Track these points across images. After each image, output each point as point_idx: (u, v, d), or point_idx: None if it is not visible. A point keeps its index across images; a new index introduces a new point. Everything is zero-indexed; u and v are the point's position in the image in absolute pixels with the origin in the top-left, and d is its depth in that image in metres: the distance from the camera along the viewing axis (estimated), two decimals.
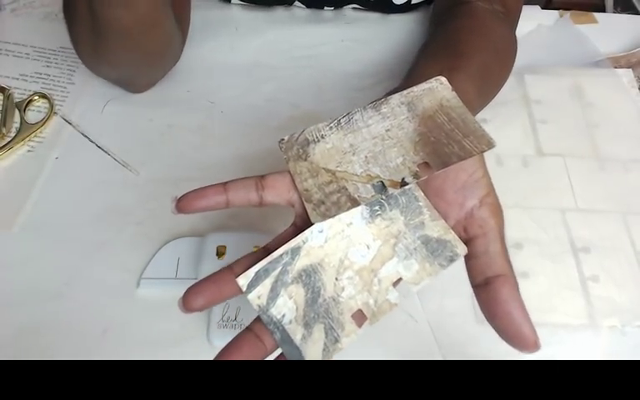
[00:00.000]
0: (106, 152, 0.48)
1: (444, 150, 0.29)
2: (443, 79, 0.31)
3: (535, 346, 0.26)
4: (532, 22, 0.60)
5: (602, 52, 0.58)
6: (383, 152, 0.29)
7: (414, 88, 0.31)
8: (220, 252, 0.40)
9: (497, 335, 0.40)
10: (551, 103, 0.53)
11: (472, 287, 0.28)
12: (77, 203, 0.45)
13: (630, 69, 0.56)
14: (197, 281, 0.27)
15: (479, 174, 0.29)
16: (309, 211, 0.28)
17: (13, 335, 0.38)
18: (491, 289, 0.27)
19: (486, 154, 0.29)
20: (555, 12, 0.62)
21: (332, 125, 0.30)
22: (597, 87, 0.54)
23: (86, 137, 0.49)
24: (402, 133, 0.30)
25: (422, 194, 0.29)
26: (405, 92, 0.31)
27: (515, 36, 0.49)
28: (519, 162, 0.48)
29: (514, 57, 0.48)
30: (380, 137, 0.30)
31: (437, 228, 0.28)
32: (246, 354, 0.26)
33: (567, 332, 0.39)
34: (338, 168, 0.29)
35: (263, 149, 0.48)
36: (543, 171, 0.48)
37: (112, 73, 0.50)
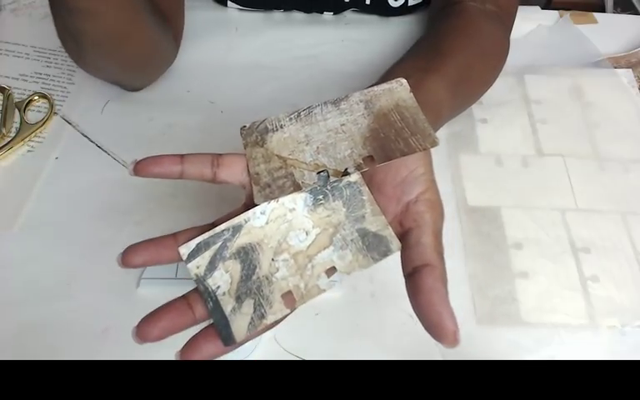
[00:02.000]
0: (106, 152, 0.48)
1: (390, 146, 0.30)
2: (403, 81, 0.33)
3: (454, 338, 0.26)
4: (532, 22, 0.60)
5: (601, 52, 0.58)
6: (334, 144, 0.31)
7: (374, 88, 0.33)
8: None
9: (497, 335, 0.40)
10: (551, 103, 0.53)
11: (404, 277, 0.28)
12: (77, 203, 0.45)
13: (630, 69, 0.56)
14: (139, 242, 0.28)
15: (420, 171, 0.30)
16: (255, 192, 0.29)
17: (13, 335, 0.38)
18: (417, 277, 0.27)
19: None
20: (555, 13, 0.62)
21: (292, 116, 0.32)
22: (597, 87, 0.54)
23: (86, 136, 0.49)
24: (355, 128, 0.31)
25: (367, 189, 0.30)
26: (366, 90, 0.33)
27: (507, 35, 0.49)
28: (519, 162, 0.48)
29: (503, 57, 0.48)
30: (334, 131, 0.31)
31: (376, 223, 0.29)
32: (172, 318, 0.27)
33: (567, 332, 0.39)
34: (290, 156, 0.30)
35: None
36: (543, 171, 0.48)
37: (100, 76, 0.50)
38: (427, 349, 0.38)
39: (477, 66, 0.44)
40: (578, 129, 0.51)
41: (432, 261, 0.28)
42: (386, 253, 0.29)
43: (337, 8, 0.59)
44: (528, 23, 0.60)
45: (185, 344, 0.27)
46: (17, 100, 0.50)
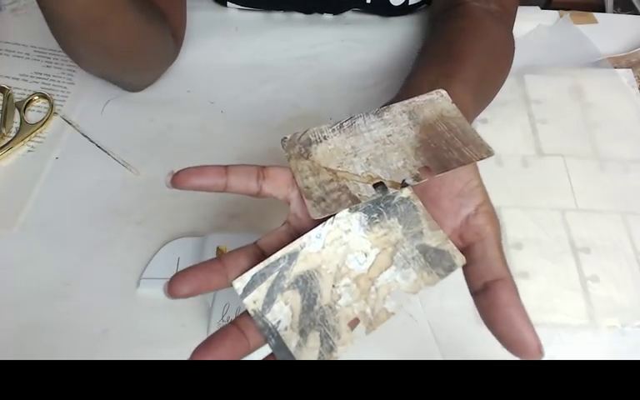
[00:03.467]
0: (106, 152, 0.48)
1: (444, 156, 0.29)
2: (444, 92, 0.32)
3: (539, 352, 0.25)
4: (531, 22, 0.60)
5: (602, 52, 0.58)
6: (385, 155, 0.30)
7: (415, 99, 0.32)
8: (220, 253, 0.40)
9: None
10: (551, 103, 0.53)
11: (472, 294, 0.28)
12: (77, 203, 0.45)
13: (630, 69, 0.56)
14: (185, 268, 0.26)
15: (475, 183, 0.29)
16: (309, 206, 0.28)
17: (13, 335, 0.38)
18: (490, 294, 0.26)
19: None
20: (555, 13, 0.62)
21: (334, 127, 0.31)
22: (597, 87, 0.54)
23: (86, 137, 0.49)
24: (403, 139, 0.30)
25: (421, 203, 0.29)
26: (407, 101, 0.32)
27: (512, 35, 0.49)
28: (519, 162, 0.48)
29: (512, 57, 0.48)
30: (382, 141, 0.30)
31: (435, 238, 0.28)
32: (228, 349, 0.25)
33: (567, 332, 0.39)
34: (339, 168, 0.29)
35: (263, 149, 0.48)
36: (543, 171, 0.48)
37: (91, 69, 0.49)
38: (427, 349, 0.38)
39: (491, 68, 0.44)
40: (578, 129, 0.51)
41: (503, 275, 0.27)
42: (451, 269, 0.27)
43: (338, 9, 0.59)
44: (528, 23, 0.60)
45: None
46: (17, 100, 0.50)
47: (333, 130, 0.31)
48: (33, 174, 0.46)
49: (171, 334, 0.39)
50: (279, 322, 0.26)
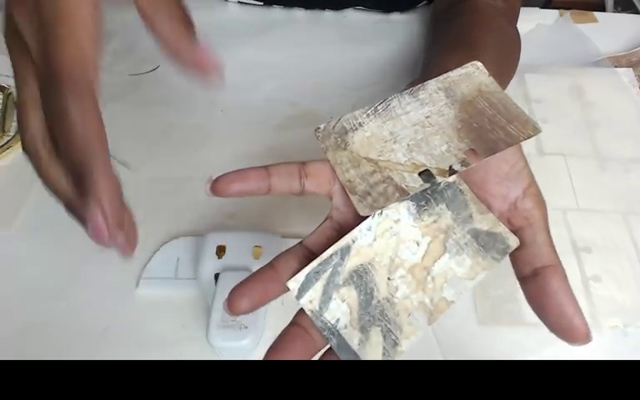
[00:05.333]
0: None
1: (489, 136, 0.28)
2: (479, 64, 0.30)
3: (587, 338, 0.25)
4: (531, 22, 0.60)
5: (602, 51, 0.58)
6: (426, 139, 0.28)
7: (450, 74, 0.30)
8: (220, 252, 0.39)
9: (498, 335, 0.40)
10: (551, 103, 0.53)
11: (519, 279, 0.27)
12: None
13: (630, 68, 0.56)
14: (240, 282, 0.25)
15: (521, 165, 0.28)
16: (355, 203, 0.26)
17: (13, 335, 0.38)
18: (540, 280, 0.26)
19: None
20: (555, 12, 0.62)
21: (369, 112, 0.29)
22: (598, 86, 0.54)
23: None
24: (442, 120, 0.29)
25: (467, 187, 0.28)
26: (441, 77, 0.30)
27: (518, 31, 0.49)
28: None
29: (519, 53, 0.48)
30: (420, 124, 0.29)
31: (485, 222, 0.27)
32: (300, 349, 0.24)
33: None
34: (380, 157, 0.28)
35: (263, 148, 0.48)
36: (544, 170, 0.48)
37: None
38: (427, 349, 0.38)
39: (503, 61, 0.43)
40: (579, 128, 0.51)
41: (552, 261, 0.27)
42: (505, 251, 0.27)
43: (339, 5, 0.59)
44: (528, 23, 0.60)
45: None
46: (17, 99, 0.50)
47: (368, 115, 0.29)
48: (33, 174, 0.46)
49: (171, 334, 0.38)
50: (338, 320, 0.25)
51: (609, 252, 0.43)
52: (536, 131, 0.27)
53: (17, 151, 0.47)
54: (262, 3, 0.59)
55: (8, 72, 0.52)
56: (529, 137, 0.27)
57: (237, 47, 0.56)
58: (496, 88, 0.29)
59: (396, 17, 0.60)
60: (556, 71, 0.56)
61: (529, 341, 0.39)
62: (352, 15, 0.60)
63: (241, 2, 0.59)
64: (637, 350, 0.39)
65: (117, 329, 0.39)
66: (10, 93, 0.50)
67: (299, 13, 0.59)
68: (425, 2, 0.59)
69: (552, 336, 0.39)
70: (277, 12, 0.60)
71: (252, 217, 0.44)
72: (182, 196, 0.45)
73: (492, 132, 0.28)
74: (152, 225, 0.43)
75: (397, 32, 0.58)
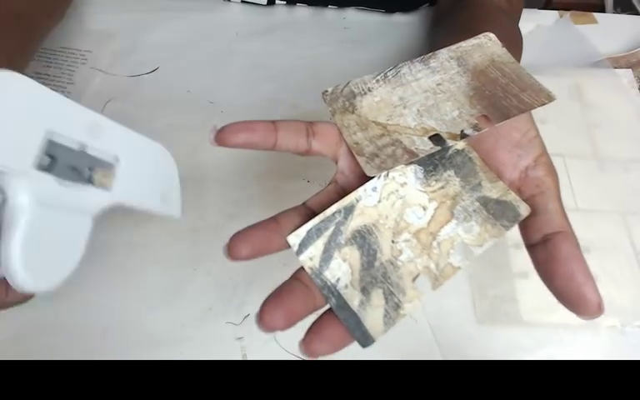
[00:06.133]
0: None
1: (502, 103, 0.27)
2: (492, 35, 0.30)
3: (599, 309, 0.23)
4: (531, 23, 0.60)
5: (601, 52, 0.58)
6: (437, 105, 0.28)
7: (462, 44, 0.30)
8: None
9: (496, 335, 0.40)
10: (550, 103, 0.53)
11: (527, 247, 0.27)
12: None
13: (630, 69, 0.56)
14: (243, 228, 0.24)
15: (532, 133, 0.28)
16: (362, 164, 0.26)
17: (13, 335, 0.38)
18: (550, 246, 0.25)
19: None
20: (555, 13, 0.62)
21: (378, 78, 0.29)
22: (597, 87, 0.54)
23: None
24: (454, 87, 0.29)
25: (477, 155, 0.28)
26: (453, 47, 0.30)
27: (520, 31, 0.49)
28: None
29: (521, 51, 0.48)
30: (432, 91, 0.29)
31: (495, 189, 0.27)
32: (298, 302, 0.23)
33: (567, 332, 0.39)
34: (389, 121, 0.28)
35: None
36: None
37: None
38: (427, 349, 0.38)
39: None
40: (578, 129, 0.51)
41: (564, 227, 0.26)
42: (516, 219, 0.26)
43: (342, 2, 0.59)
44: (528, 24, 0.60)
45: (307, 332, 0.23)
46: None
47: (377, 80, 0.29)
48: None
49: (171, 334, 0.39)
50: (338, 279, 0.24)
51: (608, 252, 0.43)
52: (550, 99, 0.27)
53: None
54: (264, 3, 0.59)
55: None
56: (543, 105, 0.27)
57: (238, 47, 0.56)
58: (509, 59, 0.29)
59: (398, 18, 0.60)
60: (555, 72, 0.56)
61: (528, 341, 0.39)
62: (354, 16, 0.60)
63: (244, 2, 0.59)
64: (635, 350, 0.39)
65: (117, 329, 0.39)
66: None
67: (301, 11, 0.59)
68: (427, 3, 0.59)
69: (551, 336, 0.39)
70: (279, 10, 0.59)
71: (252, 220, 0.44)
72: (182, 196, 0.45)
73: (504, 99, 0.27)
74: (152, 225, 0.43)
75: (399, 33, 0.58)
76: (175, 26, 0.57)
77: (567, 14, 0.61)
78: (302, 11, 0.60)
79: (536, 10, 0.62)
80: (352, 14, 0.60)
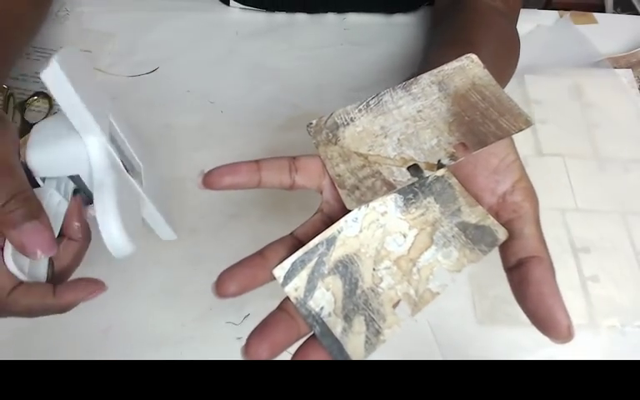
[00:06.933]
0: None
1: (480, 129, 0.28)
2: (474, 56, 0.30)
3: (568, 333, 0.24)
4: (531, 23, 0.60)
5: (601, 52, 0.58)
6: (416, 133, 0.29)
7: (444, 67, 0.30)
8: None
9: (497, 335, 0.40)
10: (550, 103, 0.53)
11: (505, 270, 0.27)
12: None
13: (630, 69, 0.56)
14: (230, 266, 0.26)
15: (511, 158, 0.28)
16: (343, 197, 0.27)
17: (13, 335, 0.38)
18: (523, 270, 0.26)
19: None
20: (555, 13, 0.62)
21: (360, 107, 0.30)
22: (597, 87, 0.54)
23: None
24: (434, 114, 0.29)
25: (456, 181, 0.28)
26: (435, 71, 0.30)
27: (517, 32, 0.49)
28: None
29: (518, 53, 0.48)
30: (412, 119, 0.29)
31: (474, 214, 0.27)
32: (282, 334, 0.25)
33: None
34: (370, 152, 0.28)
35: (263, 149, 0.48)
36: (543, 171, 0.48)
37: None
38: (427, 349, 0.38)
39: (501, 58, 0.43)
40: (578, 129, 0.51)
41: (538, 252, 0.26)
42: (494, 243, 0.27)
43: (342, 8, 0.59)
44: (528, 24, 0.60)
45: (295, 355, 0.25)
46: (17, 100, 0.50)
47: (360, 110, 0.30)
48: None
49: (171, 334, 0.39)
50: (322, 308, 0.25)
51: (608, 253, 0.43)
52: (527, 124, 0.27)
53: None
54: (264, 9, 0.59)
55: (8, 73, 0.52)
56: (520, 130, 0.27)
57: (238, 48, 0.56)
58: (490, 81, 0.30)
59: (398, 19, 0.60)
60: (555, 72, 0.56)
61: (528, 341, 0.39)
62: (354, 17, 0.60)
63: (243, 9, 0.59)
64: (635, 350, 0.39)
65: (118, 329, 0.39)
66: (10, 94, 0.50)
67: (301, 17, 0.59)
68: (427, 3, 0.59)
69: None
70: (279, 16, 0.60)
71: (253, 220, 0.44)
72: (183, 196, 0.46)
73: (483, 125, 0.28)
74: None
75: (400, 34, 0.58)
76: (175, 26, 0.57)
77: (567, 14, 0.61)
78: (302, 16, 0.60)
79: (536, 10, 0.62)
80: (352, 15, 0.60)
